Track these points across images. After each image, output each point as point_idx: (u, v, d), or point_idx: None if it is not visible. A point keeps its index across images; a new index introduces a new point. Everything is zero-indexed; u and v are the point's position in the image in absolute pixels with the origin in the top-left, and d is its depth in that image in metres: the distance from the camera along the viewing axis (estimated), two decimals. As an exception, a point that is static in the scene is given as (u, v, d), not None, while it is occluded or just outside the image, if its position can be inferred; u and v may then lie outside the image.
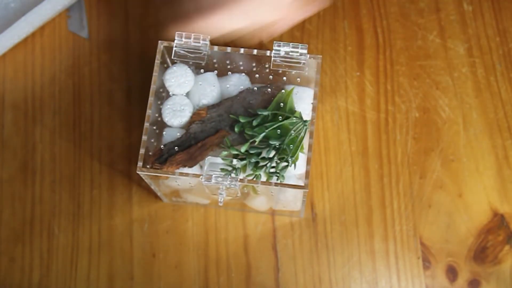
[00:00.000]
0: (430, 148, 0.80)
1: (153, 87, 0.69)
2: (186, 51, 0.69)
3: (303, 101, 0.69)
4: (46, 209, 0.79)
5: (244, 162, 0.66)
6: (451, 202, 0.78)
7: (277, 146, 0.67)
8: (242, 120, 0.67)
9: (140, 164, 0.66)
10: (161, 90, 0.71)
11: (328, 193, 0.79)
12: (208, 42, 0.69)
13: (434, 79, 0.82)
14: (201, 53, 0.69)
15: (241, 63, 0.71)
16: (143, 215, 0.79)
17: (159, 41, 0.69)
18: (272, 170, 0.66)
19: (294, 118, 0.67)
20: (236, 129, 0.68)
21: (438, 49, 0.83)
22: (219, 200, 0.68)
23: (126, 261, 0.78)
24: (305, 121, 0.67)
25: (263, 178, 0.67)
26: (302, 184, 0.66)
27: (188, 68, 0.70)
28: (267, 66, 0.70)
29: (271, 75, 0.71)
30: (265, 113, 0.67)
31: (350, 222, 0.78)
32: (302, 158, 0.68)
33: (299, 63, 0.68)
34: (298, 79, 0.70)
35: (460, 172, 0.79)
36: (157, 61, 0.69)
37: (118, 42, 0.85)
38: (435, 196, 0.78)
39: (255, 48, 0.69)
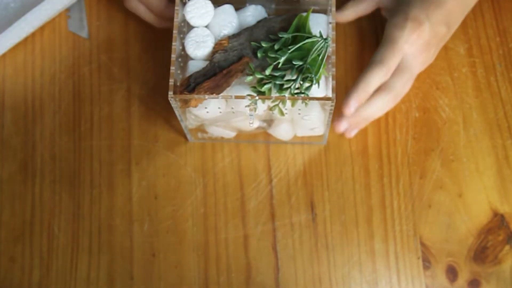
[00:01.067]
0: (430, 148, 0.80)
1: (176, 21, 0.70)
2: None
3: (319, 26, 0.71)
4: (46, 209, 0.79)
5: (269, 85, 0.68)
6: (451, 202, 0.78)
7: (300, 67, 0.68)
8: (264, 45, 0.69)
9: (170, 92, 0.68)
10: (182, 24, 0.72)
11: (328, 193, 0.79)
12: None
13: (434, 79, 0.82)
14: None
15: None
16: (143, 215, 0.79)
17: None
18: (297, 91, 0.68)
19: (315, 37, 0.69)
20: (258, 55, 0.69)
21: (438, 49, 0.83)
22: (250, 121, 0.70)
23: (126, 261, 0.78)
24: (326, 38, 0.69)
25: (288, 102, 0.68)
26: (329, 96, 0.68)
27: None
28: None
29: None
30: (286, 35, 0.69)
31: (350, 222, 0.78)
32: (324, 80, 0.70)
33: None
34: (312, 7, 0.72)
35: (460, 172, 0.79)
36: None
37: (118, 42, 0.85)
38: (435, 196, 0.78)
39: None
